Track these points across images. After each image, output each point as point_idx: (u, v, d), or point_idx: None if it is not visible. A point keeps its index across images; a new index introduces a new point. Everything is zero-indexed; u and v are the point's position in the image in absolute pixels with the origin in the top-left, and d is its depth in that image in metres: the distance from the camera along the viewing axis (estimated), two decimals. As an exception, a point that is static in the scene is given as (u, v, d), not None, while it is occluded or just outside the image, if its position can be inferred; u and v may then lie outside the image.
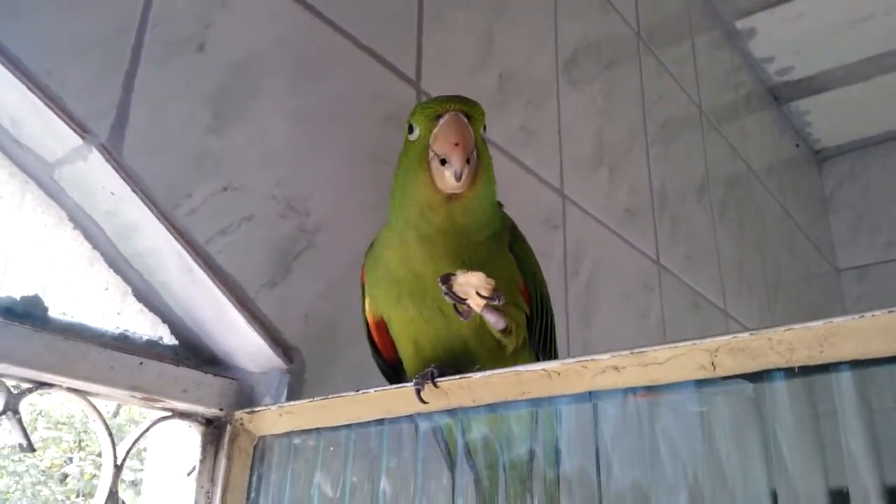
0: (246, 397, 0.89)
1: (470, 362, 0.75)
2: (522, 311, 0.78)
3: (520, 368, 0.63)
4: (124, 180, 0.78)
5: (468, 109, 0.75)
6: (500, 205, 0.84)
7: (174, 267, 0.83)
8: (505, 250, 0.80)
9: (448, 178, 0.71)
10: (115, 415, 1.25)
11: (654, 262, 1.84)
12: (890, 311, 0.49)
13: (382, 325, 0.82)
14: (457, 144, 0.71)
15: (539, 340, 0.80)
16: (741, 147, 2.72)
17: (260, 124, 0.93)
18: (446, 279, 0.69)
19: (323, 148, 1.01)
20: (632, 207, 1.80)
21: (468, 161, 0.71)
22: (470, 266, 0.73)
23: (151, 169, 0.80)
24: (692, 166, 2.25)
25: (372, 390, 0.73)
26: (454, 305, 0.70)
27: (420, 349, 0.78)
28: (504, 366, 0.66)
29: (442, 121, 0.73)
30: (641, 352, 0.57)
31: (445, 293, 0.69)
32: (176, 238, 0.80)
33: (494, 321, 0.74)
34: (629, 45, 2.02)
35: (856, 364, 0.51)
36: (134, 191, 0.78)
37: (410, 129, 0.77)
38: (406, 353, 0.80)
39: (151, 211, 0.79)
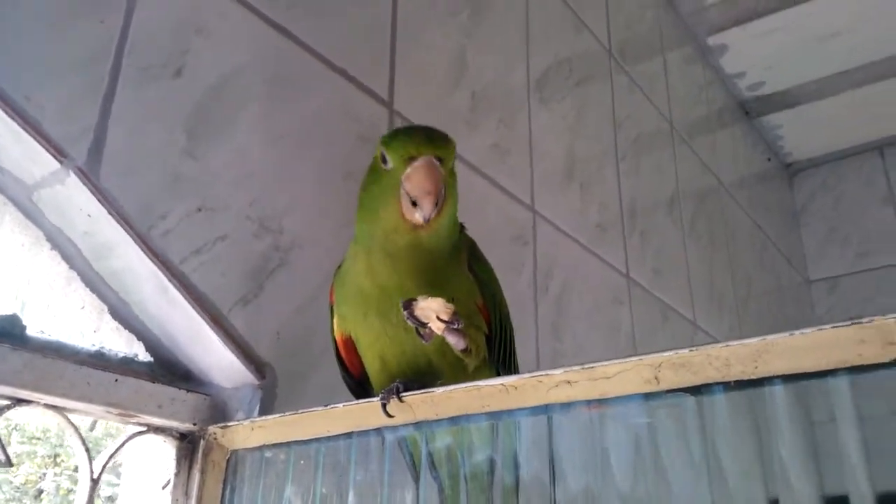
0: (219, 412, 0.91)
1: (434, 377, 0.78)
2: (482, 331, 0.82)
3: (480, 383, 0.66)
4: (101, 202, 0.81)
5: (441, 153, 0.78)
6: (462, 227, 0.88)
7: (149, 286, 0.86)
8: (464, 269, 0.83)
9: (416, 217, 0.76)
10: (92, 428, 1.27)
11: (623, 276, 1.88)
12: (819, 329, 0.53)
13: (350, 343, 0.85)
14: (429, 192, 0.75)
15: (499, 357, 0.84)
16: (712, 162, 2.78)
17: (235, 146, 0.96)
18: (408, 304, 0.73)
19: (297, 168, 1.04)
20: (602, 223, 1.84)
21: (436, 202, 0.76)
22: (431, 279, 0.77)
23: (127, 191, 0.83)
24: (663, 181, 2.30)
25: (340, 405, 0.76)
26: (416, 329, 0.74)
27: (386, 365, 0.81)
28: (466, 381, 0.69)
29: (415, 163, 0.77)
30: (591, 367, 0.61)
31: (407, 317, 0.73)
32: (151, 258, 0.83)
33: (455, 342, 0.77)
34: (601, 63, 2.07)
35: (787, 378, 0.54)
36: (110, 213, 0.81)
37: (384, 159, 0.80)
38: (372, 368, 0.83)
39: (127, 232, 0.82)
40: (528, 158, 1.60)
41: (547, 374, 0.63)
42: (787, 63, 3.14)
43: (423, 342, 0.75)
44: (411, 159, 0.77)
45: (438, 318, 0.71)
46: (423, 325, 0.73)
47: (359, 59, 1.20)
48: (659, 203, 2.23)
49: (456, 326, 0.72)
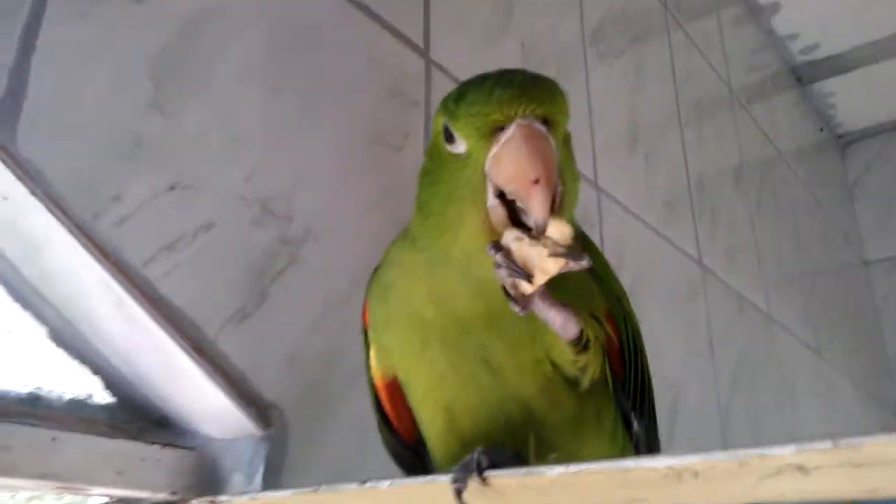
0: (207, 474, 0.64)
1: (535, 442, 0.50)
2: (603, 329, 0.54)
3: (628, 464, 0.39)
4: (20, 179, 0.54)
5: (547, 111, 0.48)
6: None
7: (100, 298, 0.59)
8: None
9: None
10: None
11: (697, 263, 1.60)
12: None
13: (396, 388, 0.57)
14: (537, 181, 0.45)
15: (633, 394, 0.56)
16: (771, 131, 2.49)
17: (223, 98, 0.69)
18: (499, 247, 0.46)
19: (309, 131, 0.77)
20: (671, 200, 1.56)
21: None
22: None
23: (60, 161, 0.56)
24: (727, 151, 2.02)
25: (385, 484, 0.48)
26: (504, 290, 0.47)
27: (456, 422, 0.53)
28: (593, 447, 0.43)
29: (507, 136, 0.47)
30: (850, 444, 0.33)
31: (500, 266, 0.45)
32: (97, 258, 0.56)
33: (562, 322, 0.49)
34: (657, 17, 1.78)
35: None
36: (34, 193, 0.54)
37: (449, 136, 0.50)
38: (433, 428, 0.55)
39: (61, 221, 0.55)
40: (587, 123, 1.32)
41: (760, 455, 0.35)
42: (844, 22, 2.84)
43: (516, 310, 0.46)
44: (498, 130, 0.47)
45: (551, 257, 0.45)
46: (526, 276, 0.45)
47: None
48: (726, 176, 1.94)
49: (583, 262, 0.45)
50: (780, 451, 0.35)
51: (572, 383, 0.51)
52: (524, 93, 0.47)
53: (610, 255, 1.24)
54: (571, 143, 0.53)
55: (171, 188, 0.62)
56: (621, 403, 0.55)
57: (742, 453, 0.36)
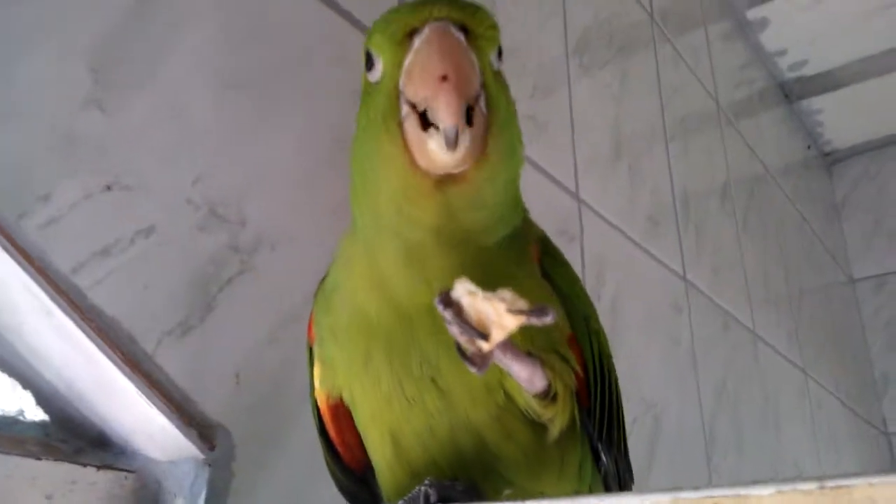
0: (147, 498, 0.59)
1: (488, 471, 0.46)
2: (571, 367, 0.49)
3: (590, 501, 0.34)
4: (-65, 174, 0.49)
5: (467, 19, 0.43)
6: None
7: (28, 307, 0.54)
8: (535, 272, 0.50)
9: (435, 151, 0.40)
10: None
11: (681, 278, 1.56)
12: None
13: (342, 411, 0.52)
14: (445, 78, 0.40)
15: (599, 424, 0.51)
16: (759, 147, 2.47)
17: (171, 93, 0.64)
18: (448, 300, 0.40)
19: (269, 130, 0.72)
20: (655, 215, 1.53)
21: (471, 111, 0.41)
22: (484, 287, 0.41)
23: (-18, 156, 0.51)
24: (714, 167, 1.99)
25: (326, 516, 0.44)
26: (457, 345, 0.41)
27: (402, 450, 0.48)
28: (555, 484, 0.38)
29: (419, 39, 0.42)
30: (842, 485, 0.29)
31: (451, 323, 0.40)
32: (21, 263, 0.51)
33: (528, 376, 0.43)
34: (643, 29, 1.76)
35: None
36: (-49, 190, 0.50)
37: (369, 62, 0.46)
38: (380, 455, 0.50)
39: (-20, 222, 0.50)
40: (569, 133, 1.29)
41: (737, 496, 0.31)
42: (833, 38, 2.83)
43: (473, 370, 0.40)
44: (410, 37, 0.43)
45: (509, 311, 0.39)
46: (480, 335, 0.40)
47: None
48: (712, 192, 1.91)
49: (547, 318, 0.39)
50: (759, 492, 0.31)
51: (530, 419, 0.46)
52: (438, 1, 0.43)
53: (590, 268, 1.21)
54: (506, 80, 0.49)
55: (108, 188, 0.57)
56: (589, 433, 0.50)
57: (716, 493, 0.31)
